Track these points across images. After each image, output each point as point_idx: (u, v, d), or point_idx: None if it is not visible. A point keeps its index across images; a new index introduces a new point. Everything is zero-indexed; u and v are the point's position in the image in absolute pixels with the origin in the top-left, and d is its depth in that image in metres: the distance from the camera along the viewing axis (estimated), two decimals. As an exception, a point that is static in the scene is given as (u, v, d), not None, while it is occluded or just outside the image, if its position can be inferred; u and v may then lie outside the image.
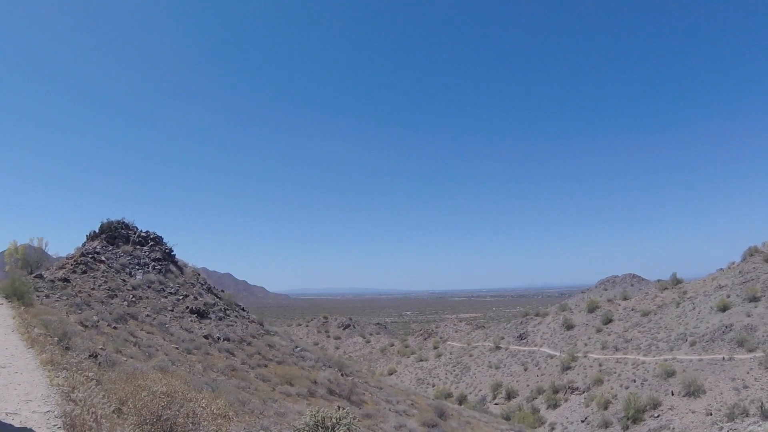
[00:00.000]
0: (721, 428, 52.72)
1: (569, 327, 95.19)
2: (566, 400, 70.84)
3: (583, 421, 63.59)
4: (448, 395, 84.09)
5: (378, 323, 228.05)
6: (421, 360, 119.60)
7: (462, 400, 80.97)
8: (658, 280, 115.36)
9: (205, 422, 12.34)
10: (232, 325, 43.62)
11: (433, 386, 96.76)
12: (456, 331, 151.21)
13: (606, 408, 63.12)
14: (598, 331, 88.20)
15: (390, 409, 37.09)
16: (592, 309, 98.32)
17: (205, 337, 37.59)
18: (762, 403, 52.76)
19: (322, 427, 18.57)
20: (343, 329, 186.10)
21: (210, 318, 42.96)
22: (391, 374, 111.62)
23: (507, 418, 62.46)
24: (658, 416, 58.34)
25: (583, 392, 69.98)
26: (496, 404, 78.78)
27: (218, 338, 38.69)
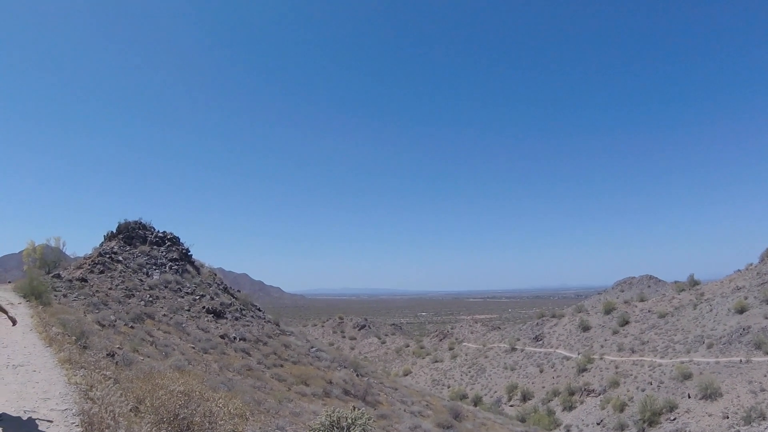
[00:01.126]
0: (738, 431, 52.37)
1: (585, 328, 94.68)
2: (582, 402, 70.52)
3: (598, 424, 63.30)
4: (463, 396, 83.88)
5: (393, 324, 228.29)
6: (437, 361, 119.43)
7: (477, 401, 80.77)
8: (675, 282, 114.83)
9: (222, 421, 12.42)
10: (248, 325, 43.77)
11: (449, 387, 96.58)
12: (471, 332, 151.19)
13: (622, 410, 62.80)
14: (615, 332, 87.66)
15: (405, 410, 37.09)
16: (608, 310, 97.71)
17: (222, 336, 37.76)
18: None
19: (337, 427, 18.66)
20: (359, 330, 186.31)
21: (226, 318, 43.14)
22: (406, 375, 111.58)
23: (522, 420, 62.29)
24: (675, 419, 57.95)
25: (599, 394, 69.63)
26: (511, 406, 78.56)
27: (234, 338, 38.84)
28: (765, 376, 58.56)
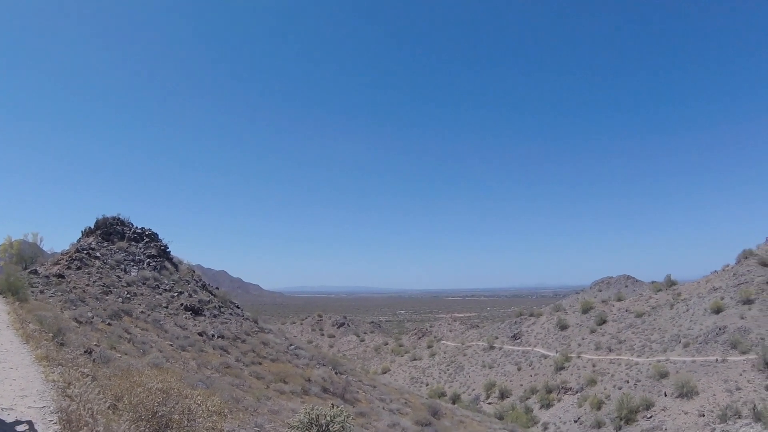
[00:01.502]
0: (714, 429, 52.97)
1: (563, 327, 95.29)
2: (559, 400, 71.02)
3: (576, 421, 63.75)
4: (442, 394, 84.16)
5: (372, 322, 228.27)
6: (415, 359, 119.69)
7: (455, 399, 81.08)
8: (653, 282, 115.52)
9: (201, 419, 12.37)
10: (226, 323, 43.62)
11: (427, 385, 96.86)
12: (450, 331, 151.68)
13: (599, 408, 63.32)
14: (592, 331, 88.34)
15: (384, 408, 37.15)
16: (586, 310, 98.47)
17: (200, 334, 37.57)
18: (755, 405, 53.09)
19: (316, 425, 18.64)
20: (338, 327, 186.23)
21: (204, 315, 42.95)
22: (385, 373, 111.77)
23: (500, 418, 62.59)
24: (651, 417, 58.51)
25: (577, 392, 70.15)
26: (489, 404, 78.93)
27: (213, 335, 38.67)
28: (741, 375, 59.32)
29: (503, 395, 79.77)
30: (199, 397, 13.67)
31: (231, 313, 47.15)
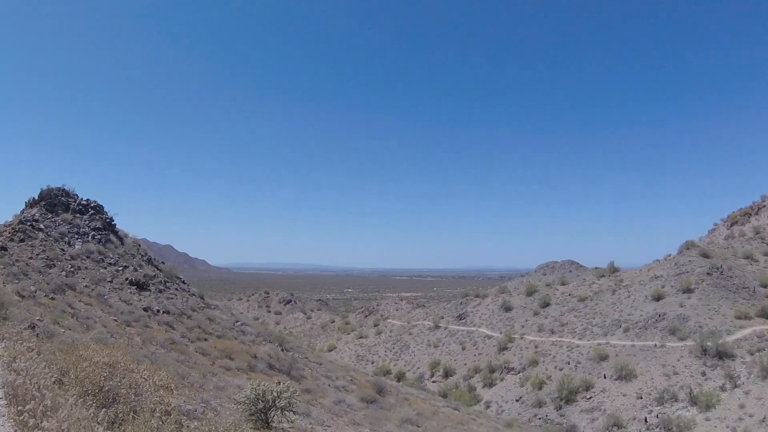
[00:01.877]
0: (651, 411, 54.76)
1: (508, 309, 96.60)
2: (502, 380, 72.14)
3: (517, 401, 64.94)
4: (387, 372, 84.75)
5: (319, 299, 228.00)
6: (362, 337, 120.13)
7: (400, 377, 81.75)
8: (596, 268, 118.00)
9: (148, 393, 12.37)
10: (172, 298, 43.21)
11: (373, 363, 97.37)
12: (397, 310, 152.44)
13: (540, 388, 64.60)
14: (536, 314, 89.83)
15: (329, 385, 37.38)
16: (530, 292, 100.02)
17: (145, 309, 37.17)
18: (691, 390, 55.01)
19: (262, 401, 18.78)
20: (285, 305, 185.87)
21: (150, 290, 42.45)
22: (331, 350, 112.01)
23: (444, 396, 63.34)
24: (591, 398, 60.01)
25: (519, 372, 71.35)
26: (433, 382, 79.79)
27: (158, 311, 38.29)
28: (678, 360, 61.19)
29: (447, 374, 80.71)
30: (145, 372, 13.66)
31: (177, 289, 46.66)
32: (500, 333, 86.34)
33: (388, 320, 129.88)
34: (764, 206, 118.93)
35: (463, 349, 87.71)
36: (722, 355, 59.64)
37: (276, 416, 19.05)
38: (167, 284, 46.07)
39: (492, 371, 74.41)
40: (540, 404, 61.60)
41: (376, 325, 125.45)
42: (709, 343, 60.75)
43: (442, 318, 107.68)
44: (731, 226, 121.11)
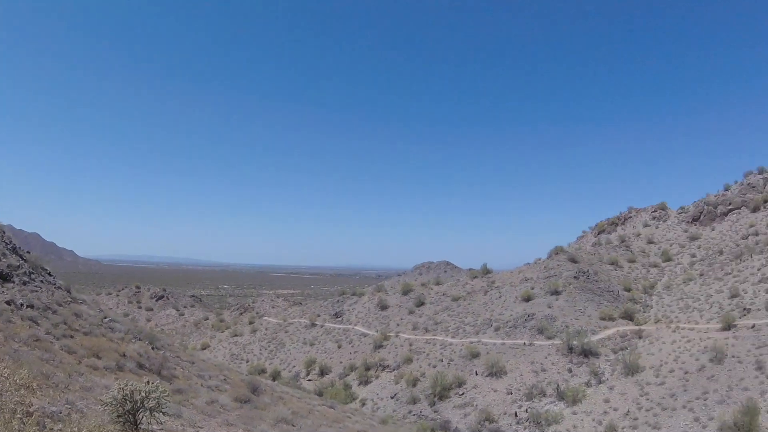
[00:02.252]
0: (521, 406, 57.15)
1: (383, 307, 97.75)
2: (377, 377, 72.84)
3: (392, 398, 65.73)
4: (262, 371, 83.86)
5: (193, 296, 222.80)
6: (236, 335, 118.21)
7: (276, 376, 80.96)
8: (470, 269, 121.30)
9: (8, 393, 11.62)
10: (37, 291, 40.97)
11: (248, 362, 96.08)
12: (273, 307, 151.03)
13: (414, 385, 65.73)
14: (411, 312, 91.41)
15: (202, 384, 36.47)
16: (406, 291, 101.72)
17: (7, 303, 35.03)
18: (558, 385, 58.10)
19: (130, 401, 18.00)
20: (156, 300, 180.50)
21: (13, 282, 40.08)
22: (205, 349, 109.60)
23: (320, 394, 63.26)
24: (463, 394, 61.68)
25: (394, 370, 72.27)
26: (309, 380, 79.52)
27: (21, 305, 36.22)
28: (546, 357, 64.35)
29: (323, 372, 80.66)
30: (5, 370, 12.85)
31: (42, 281, 44.28)
32: (376, 331, 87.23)
33: (264, 318, 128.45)
34: (630, 217, 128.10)
35: (339, 347, 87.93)
36: (587, 353, 63.14)
37: (145, 417, 18.30)
38: (32, 276, 43.63)
39: (367, 369, 74.97)
40: (414, 401, 62.63)
41: (251, 323, 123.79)
42: (575, 342, 64.17)
43: (319, 316, 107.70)
44: (599, 234, 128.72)
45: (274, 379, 72.04)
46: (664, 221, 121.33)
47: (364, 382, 72.79)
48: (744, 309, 67.17)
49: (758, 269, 77.91)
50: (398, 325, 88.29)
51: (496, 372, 63.36)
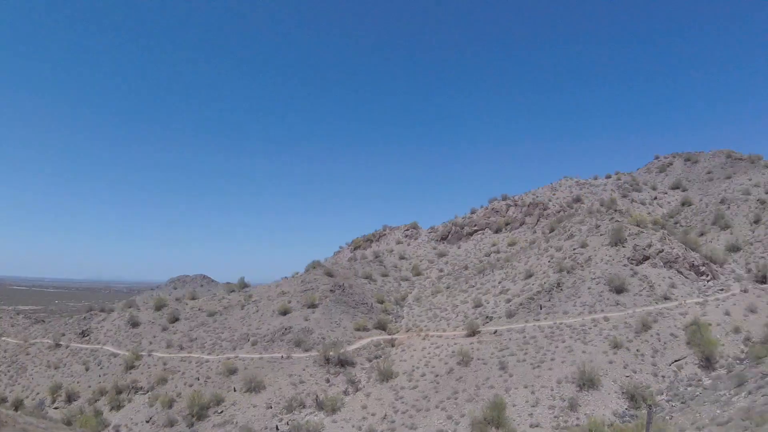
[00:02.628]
0: (281, 419, 58.85)
1: (135, 324, 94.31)
2: (130, 401, 70.28)
3: (148, 421, 63.97)
4: (3, 400, 77.57)
5: None
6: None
7: (18, 405, 75.02)
8: (227, 283, 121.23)
9: None
10: None
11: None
12: (12, 326, 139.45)
13: (170, 407, 64.62)
14: (164, 329, 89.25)
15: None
16: (159, 307, 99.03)
17: None
18: (317, 396, 61.03)
19: None
20: None
21: None
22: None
23: (68, 423, 59.97)
24: (222, 412, 61.79)
25: (148, 392, 70.32)
26: (56, 408, 74.54)
27: None
28: (304, 369, 66.85)
29: (71, 398, 75.92)
30: None
31: None
32: (127, 350, 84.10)
33: (3, 338, 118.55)
34: (384, 235, 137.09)
35: (87, 369, 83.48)
36: (344, 363, 66.89)
37: None
38: None
39: (119, 392, 72.05)
40: (171, 423, 61.56)
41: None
42: (331, 353, 67.50)
43: (64, 335, 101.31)
44: (354, 249, 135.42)
45: (16, 409, 67.23)
46: (416, 239, 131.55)
47: (117, 406, 69.73)
48: (487, 317, 74.75)
49: (499, 282, 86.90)
50: (151, 343, 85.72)
51: (254, 387, 64.13)
